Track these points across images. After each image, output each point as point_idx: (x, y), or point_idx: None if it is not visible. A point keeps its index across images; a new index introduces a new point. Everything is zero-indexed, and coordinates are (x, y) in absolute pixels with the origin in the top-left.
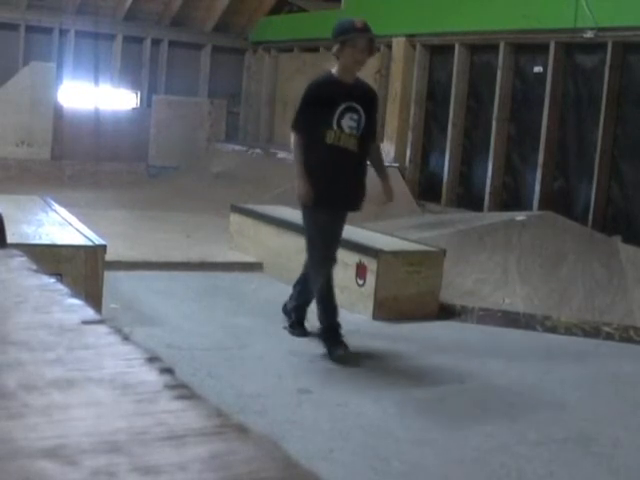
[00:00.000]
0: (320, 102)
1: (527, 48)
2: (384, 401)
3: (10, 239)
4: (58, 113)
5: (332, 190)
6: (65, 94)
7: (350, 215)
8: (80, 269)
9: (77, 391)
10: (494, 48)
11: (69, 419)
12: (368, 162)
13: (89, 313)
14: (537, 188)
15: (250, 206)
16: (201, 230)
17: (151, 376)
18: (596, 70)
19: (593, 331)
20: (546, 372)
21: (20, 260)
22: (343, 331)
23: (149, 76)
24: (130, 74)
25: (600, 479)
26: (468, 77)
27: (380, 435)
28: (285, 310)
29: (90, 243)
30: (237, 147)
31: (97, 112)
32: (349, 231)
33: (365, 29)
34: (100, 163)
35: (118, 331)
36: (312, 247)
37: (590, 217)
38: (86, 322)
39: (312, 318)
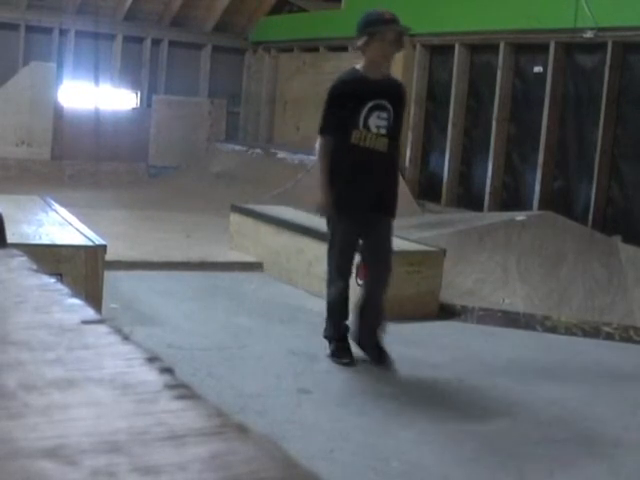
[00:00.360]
0: (345, 101)
1: (527, 48)
2: (384, 401)
3: (10, 239)
4: (58, 113)
5: (356, 195)
6: (65, 94)
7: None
8: (80, 269)
9: (77, 391)
10: (494, 48)
11: (69, 419)
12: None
13: (89, 313)
14: (537, 188)
15: (250, 206)
16: (201, 230)
17: (151, 376)
18: (596, 70)
19: (593, 331)
20: (546, 372)
21: (20, 260)
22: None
23: (149, 76)
24: (130, 74)
25: (600, 479)
26: (468, 77)
27: (380, 435)
28: (324, 334)
29: (90, 243)
30: (237, 147)
31: (97, 112)
32: None
33: (394, 20)
34: (100, 163)
35: (118, 331)
36: (328, 255)
37: (590, 217)
38: (86, 322)
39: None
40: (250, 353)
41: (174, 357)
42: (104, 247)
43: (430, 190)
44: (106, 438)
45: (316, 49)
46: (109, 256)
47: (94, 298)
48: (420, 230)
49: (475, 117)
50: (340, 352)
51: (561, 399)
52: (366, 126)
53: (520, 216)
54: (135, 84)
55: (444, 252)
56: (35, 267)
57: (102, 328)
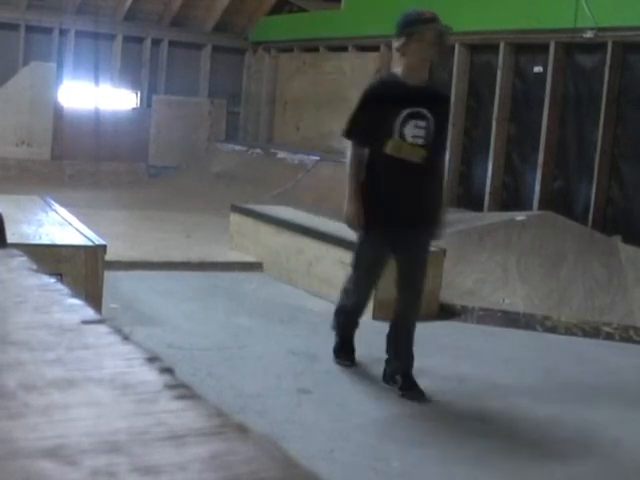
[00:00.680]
0: (380, 104)
1: (527, 48)
2: (384, 401)
3: (10, 239)
4: (58, 113)
5: (386, 209)
6: (65, 94)
7: None
8: (80, 269)
9: (77, 391)
10: (494, 48)
11: (69, 419)
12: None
13: (89, 313)
14: (537, 188)
15: (250, 206)
16: (201, 230)
17: (151, 376)
18: (596, 70)
19: (593, 331)
20: (546, 372)
21: (20, 260)
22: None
23: (149, 76)
24: (130, 74)
25: (600, 479)
26: (468, 77)
27: (380, 435)
28: (332, 325)
29: (90, 243)
30: (237, 147)
31: (97, 112)
32: (349, 231)
33: (434, 19)
34: (100, 163)
35: (118, 331)
36: (352, 267)
37: (590, 217)
38: (86, 322)
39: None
40: (250, 353)
41: (174, 357)
42: (104, 247)
43: None
44: (106, 438)
45: (316, 49)
46: (109, 256)
47: (94, 298)
48: None
49: (475, 117)
50: (343, 353)
51: (561, 399)
52: (402, 135)
53: (520, 216)
54: (135, 84)
55: (444, 252)
56: (35, 267)
57: (102, 328)
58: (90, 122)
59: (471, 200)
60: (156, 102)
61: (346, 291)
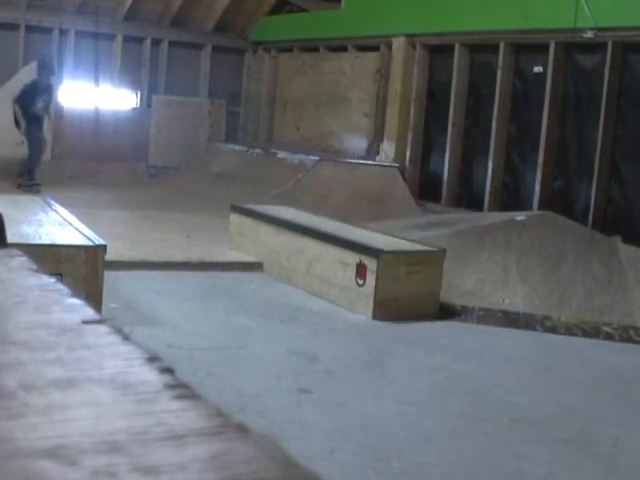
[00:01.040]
0: None
1: (527, 48)
2: (384, 401)
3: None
4: (58, 113)
5: None
6: (65, 94)
7: (350, 215)
8: (80, 269)
9: (77, 391)
10: (494, 48)
11: (69, 419)
12: None
13: (89, 313)
14: (537, 188)
15: (250, 206)
16: (201, 230)
17: (151, 376)
18: (596, 70)
19: (593, 331)
20: (546, 372)
21: (20, 260)
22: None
23: (149, 76)
24: (130, 74)
25: (600, 479)
26: (468, 77)
27: (380, 435)
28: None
29: (90, 243)
30: (237, 147)
31: (97, 112)
32: (349, 231)
33: None
34: (100, 163)
35: (118, 331)
36: None
37: (590, 217)
38: (86, 322)
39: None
40: (250, 353)
41: (174, 357)
42: (104, 247)
43: (430, 190)
44: (106, 438)
45: (316, 49)
46: (109, 256)
47: (94, 298)
48: (420, 230)
49: (475, 117)
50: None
51: (561, 399)
52: None
53: (520, 216)
54: (135, 84)
55: (444, 252)
56: (35, 267)
57: (102, 328)
58: (90, 122)
59: (471, 200)
60: (156, 102)
61: None
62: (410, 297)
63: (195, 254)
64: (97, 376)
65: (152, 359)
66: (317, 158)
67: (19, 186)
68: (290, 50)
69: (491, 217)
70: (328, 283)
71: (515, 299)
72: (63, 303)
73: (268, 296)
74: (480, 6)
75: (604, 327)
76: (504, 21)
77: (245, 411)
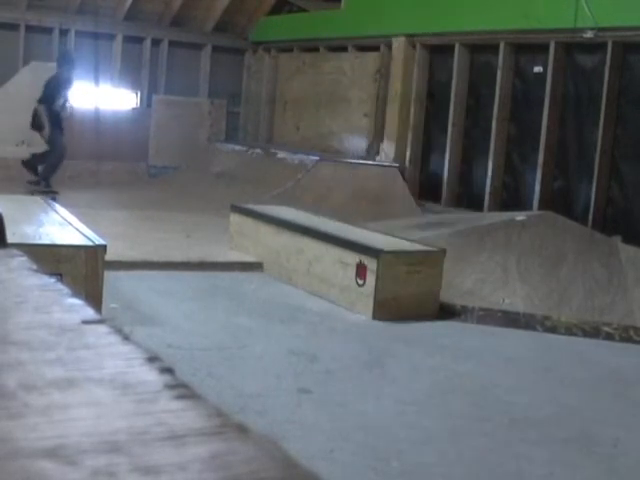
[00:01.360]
0: None
1: (527, 48)
2: (384, 401)
3: (10, 239)
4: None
5: None
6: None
7: (350, 215)
8: (80, 269)
9: (77, 391)
10: (494, 48)
11: (69, 419)
12: None
13: (89, 313)
14: (537, 188)
15: (250, 206)
16: (201, 230)
17: (151, 376)
18: (596, 70)
19: (593, 331)
20: (546, 372)
21: (20, 260)
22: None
23: (149, 76)
24: (130, 74)
25: (600, 479)
26: (468, 77)
27: (380, 435)
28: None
29: (90, 243)
30: (237, 147)
31: (97, 112)
32: (349, 231)
33: None
34: (100, 163)
35: (118, 331)
36: None
37: (590, 217)
38: (86, 322)
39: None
40: (250, 353)
41: (174, 357)
42: (104, 247)
43: (430, 190)
44: (106, 438)
45: (316, 49)
46: (109, 256)
47: (94, 298)
48: (420, 230)
49: (475, 117)
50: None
51: (561, 399)
52: None
53: (520, 216)
54: (135, 84)
55: (444, 252)
56: (35, 267)
57: (102, 328)
58: (90, 122)
59: (471, 200)
60: (156, 102)
61: None
62: (410, 297)
63: (195, 254)
64: (97, 376)
65: (152, 359)
66: (317, 158)
67: (32, 192)
68: (290, 50)
69: (491, 217)
70: (328, 283)
71: (515, 299)
72: (63, 303)
73: (268, 296)
74: (480, 6)
75: (604, 327)
76: (504, 21)
77: (245, 411)
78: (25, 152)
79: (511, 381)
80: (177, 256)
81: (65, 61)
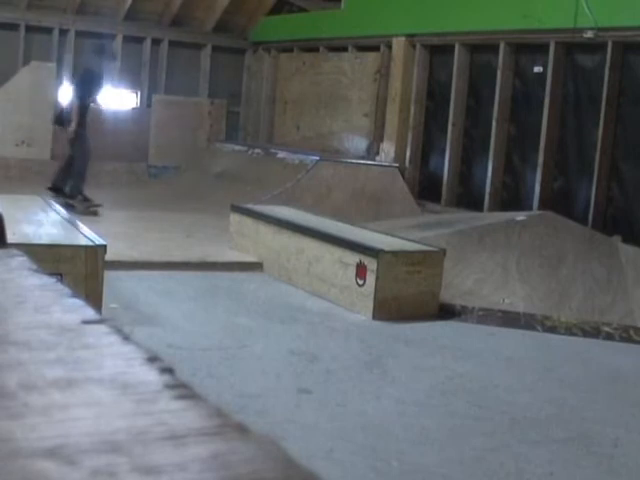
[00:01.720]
0: None
1: (527, 48)
2: (384, 401)
3: (10, 239)
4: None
5: None
6: (65, 94)
7: (350, 215)
8: (80, 269)
9: (77, 391)
10: (494, 48)
11: (69, 419)
12: None
13: (89, 313)
14: (537, 188)
15: (250, 206)
16: (201, 230)
17: (151, 376)
18: (596, 70)
19: (593, 331)
20: (546, 372)
21: (20, 260)
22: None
23: (149, 76)
24: (130, 74)
25: (600, 479)
26: (468, 77)
27: (380, 435)
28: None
29: (90, 243)
30: (237, 147)
31: (97, 112)
32: (349, 231)
33: None
34: (100, 163)
35: (118, 331)
36: None
37: (590, 217)
38: (86, 322)
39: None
40: (250, 353)
41: (174, 357)
42: (104, 247)
43: (430, 190)
44: (106, 438)
45: (316, 49)
46: (109, 256)
47: (94, 298)
48: (420, 230)
49: (475, 117)
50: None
51: (561, 399)
52: None
53: (520, 216)
54: (135, 84)
55: (444, 252)
56: (35, 267)
57: (102, 328)
58: (90, 122)
59: (471, 200)
60: (156, 102)
61: None
62: (410, 297)
63: (195, 254)
64: (97, 376)
65: (152, 359)
66: (317, 158)
67: (70, 206)
68: (290, 50)
69: (491, 217)
70: (328, 283)
71: (515, 299)
72: (63, 303)
73: (268, 296)
74: (480, 6)
75: (604, 327)
76: (504, 21)
77: (245, 411)
78: (25, 152)
79: (511, 381)
80: (177, 256)
81: (100, 54)
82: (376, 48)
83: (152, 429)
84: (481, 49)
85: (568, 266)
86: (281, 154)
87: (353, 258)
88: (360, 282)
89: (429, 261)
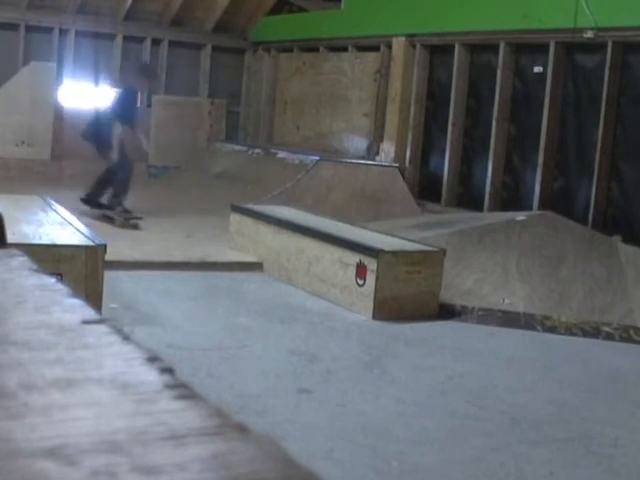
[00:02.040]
0: None
1: (527, 48)
2: (384, 401)
3: (10, 239)
4: (58, 113)
5: None
6: (65, 94)
7: (350, 215)
8: (80, 269)
9: (77, 391)
10: (494, 48)
11: (69, 419)
12: None
13: (89, 313)
14: (537, 188)
15: (250, 206)
16: (201, 230)
17: (151, 376)
18: (596, 70)
19: (593, 331)
20: (546, 372)
21: (20, 260)
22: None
23: None
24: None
25: (600, 479)
26: (468, 77)
27: (380, 435)
28: None
29: (90, 243)
30: (237, 147)
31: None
32: (349, 231)
33: None
34: (100, 163)
35: (118, 331)
36: None
37: (590, 217)
38: (86, 322)
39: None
40: (250, 353)
41: (174, 357)
42: (104, 247)
43: (430, 190)
44: (106, 438)
45: (316, 49)
46: (109, 256)
47: (94, 298)
48: (420, 230)
49: (475, 117)
50: None
51: (561, 399)
52: None
53: (520, 216)
54: None
55: (444, 252)
56: (35, 267)
57: (102, 328)
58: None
59: (471, 200)
60: (156, 102)
61: None
62: (410, 297)
63: (195, 254)
64: (97, 376)
65: (152, 359)
66: (317, 158)
67: (108, 218)
68: (290, 50)
69: (491, 217)
70: (328, 283)
71: (515, 299)
72: (63, 303)
73: (268, 296)
74: (480, 6)
75: (604, 327)
76: (504, 21)
77: (245, 411)
78: (25, 152)
79: (511, 381)
80: (177, 256)
81: (142, 71)
82: (376, 48)
83: (152, 429)
84: (481, 49)
85: (568, 266)
86: (281, 154)
87: (353, 258)
88: (360, 282)
89: (429, 261)
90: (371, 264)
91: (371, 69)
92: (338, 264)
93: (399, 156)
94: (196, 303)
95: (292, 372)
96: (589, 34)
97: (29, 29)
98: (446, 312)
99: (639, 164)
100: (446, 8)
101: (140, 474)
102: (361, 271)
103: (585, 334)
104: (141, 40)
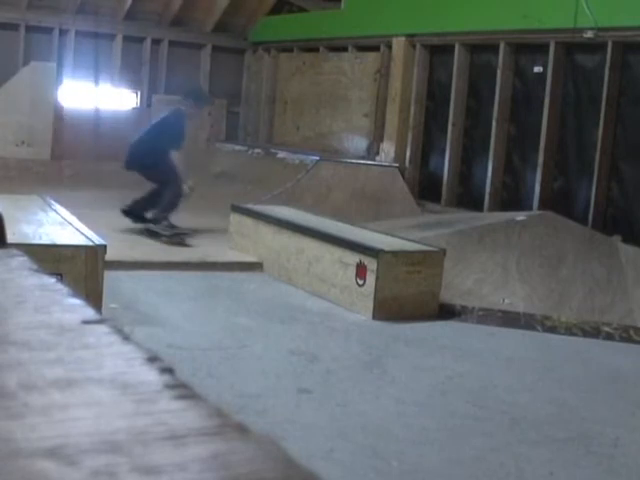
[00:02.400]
0: None
1: (527, 48)
2: (384, 401)
3: (10, 239)
4: (58, 113)
5: None
6: (65, 94)
7: (350, 215)
8: (80, 269)
9: (77, 391)
10: (494, 48)
11: (69, 419)
12: None
13: (89, 313)
14: (537, 188)
15: (250, 206)
16: (201, 230)
17: (151, 376)
18: (596, 70)
19: (593, 331)
20: (546, 372)
21: (20, 260)
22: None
23: (149, 76)
24: (130, 74)
25: (600, 479)
26: (468, 77)
27: (380, 435)
28: None
29: (90, 243)
30: (237, 147)
31: (97, 112)
32: (349, 231)
33: None
34: (100, 163)
35: (118, 331)
36: None
37: (590, 217)
38: (86, 322)
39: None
40: (250, 353)
41: (174, 357)
42: (104, 247)
43: (430, 190)
44: (106, 438)
45: (316, 49)
46: (109, 256)
47: (94, 298)
48: (420, 230)
49: (475, 117)
50: None
51: (561, 399)
52: None
53: (520, 216)
54: (135, 84)
55: (444, 252)
56: (35, 267)
57: (102, 328)
58: (90, 122)
59: (471, 200)
60: (156, 102)
61: None
62: (410, 297)
63: (195, 254)
64: (97, 376)
65: (152, 359)
66: (317, 158)
67: (154, 233)
68: (290, 50)
69: (491, 217)
70: (328, 283)
71: (515, 299)
72: (63, 303)
73: (268, 296)
74: (480, 6)
75: (604, 327)
76: (504, 21)
77: (245, 411)
78: (25, 152)
79: (511, 381)
80: (177, 256)
81: (197, 98)
82: (376, 48)
83: (152, 429)
84: (481, 49)
85: (568, 266)
86: (281, 154)
87: (353, 258)
88: (360, 282)
89: (429, 261)
90: (371, 264)
91: (371, 69)
92: (338, 264)
93: (399, 156)
94: (196, 303)
95: (292, 372)
96: (589, 34)
97: (29, 29)
98: (446, 312)
99: (639, 164)
100: (446, 8)
101: (140, 474)
102: (361, 271)
103: (585, 334)
104: (141, 40)
